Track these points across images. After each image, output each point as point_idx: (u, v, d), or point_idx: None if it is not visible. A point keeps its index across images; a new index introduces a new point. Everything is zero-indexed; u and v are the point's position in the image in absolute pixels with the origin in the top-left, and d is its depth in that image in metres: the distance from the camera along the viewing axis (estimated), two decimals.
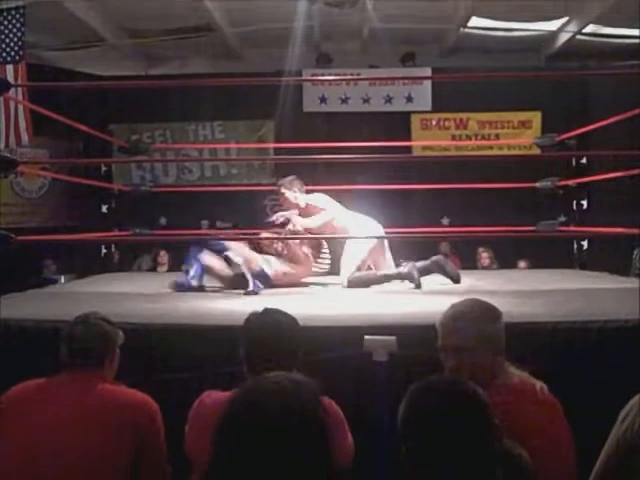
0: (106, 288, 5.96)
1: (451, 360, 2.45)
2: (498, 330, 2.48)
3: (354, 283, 5.73)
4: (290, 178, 6.17)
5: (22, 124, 7.45)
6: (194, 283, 5.51)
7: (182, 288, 5.47)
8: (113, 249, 9.38)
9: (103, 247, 8.24)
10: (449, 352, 2.46)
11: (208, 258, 5.63)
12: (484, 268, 9.44)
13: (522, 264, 9.35)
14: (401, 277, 5.79)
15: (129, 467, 2.55)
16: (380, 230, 6.07)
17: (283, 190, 6.10)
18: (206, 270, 5.64)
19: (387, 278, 5.84)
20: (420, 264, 5.81)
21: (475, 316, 2.48)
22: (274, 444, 1.49)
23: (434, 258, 5.91)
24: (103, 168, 9.35)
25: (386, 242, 6.12)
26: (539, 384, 2.39)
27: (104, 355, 2.79)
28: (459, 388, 1.79)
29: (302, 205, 6.01)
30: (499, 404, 2.09)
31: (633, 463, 2.19)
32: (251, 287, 5.32)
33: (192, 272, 5.57)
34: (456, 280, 5.84)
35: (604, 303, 4.58)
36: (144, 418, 2.64)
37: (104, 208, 8.66)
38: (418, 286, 5.65)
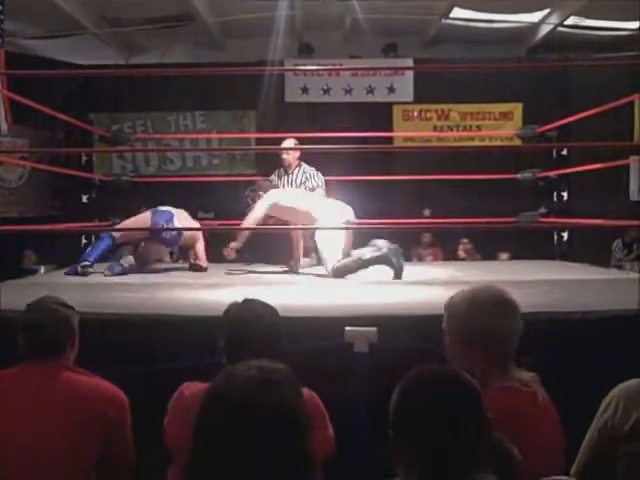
0: (86, 279, 5.93)
1: (455, 347, 2.37)
2: (510, 323, 2.35)
3: (340, 272, 5.74)
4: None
5: (1, 113, 7.37)
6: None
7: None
8: (94, 239, 9.33)
9: (83, 237, 8.17)
10: (453, 338, 2.38)
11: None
12: (465, 259, 9.47)
13: (503, 255, 9.38)
14: (379, 261, 5.79)
15: (96, 458, 2.51)
16: (350, 213, 6.11)
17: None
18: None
19: (367, 263, 5.83)
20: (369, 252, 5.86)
21: (488, 304, 2.35)
22: (249, 434, 1.47)
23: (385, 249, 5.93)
24: (84, 158, 9.27)
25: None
26: (541, 388, 2.30)
27: (65, 342, 2.69)
28: (453, 377, 1.79)
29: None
30: (504, 406, 2.09)
31: (614, 453, 2.20)
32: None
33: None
34: (397, 275, 5.78)
35: (584, 294, 4.60)
36: (114, 410, 2.58)
37: (84, 198, 8.58)
38: (398, 271, 5.67)
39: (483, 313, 2.33)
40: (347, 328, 3.31)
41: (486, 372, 2.28)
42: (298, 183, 6.96)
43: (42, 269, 8.74)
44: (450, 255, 9.65)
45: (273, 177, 7.18)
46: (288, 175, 7.05)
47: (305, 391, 2.49)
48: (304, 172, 7.01)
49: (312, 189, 6.87)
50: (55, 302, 2.78)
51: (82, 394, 2.56)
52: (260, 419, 1.48)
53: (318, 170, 7.07)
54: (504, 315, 2.35)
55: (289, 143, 7.02)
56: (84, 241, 8.05)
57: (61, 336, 2.69)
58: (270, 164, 8.99)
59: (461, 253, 9.67)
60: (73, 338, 2.75)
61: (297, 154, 7.03)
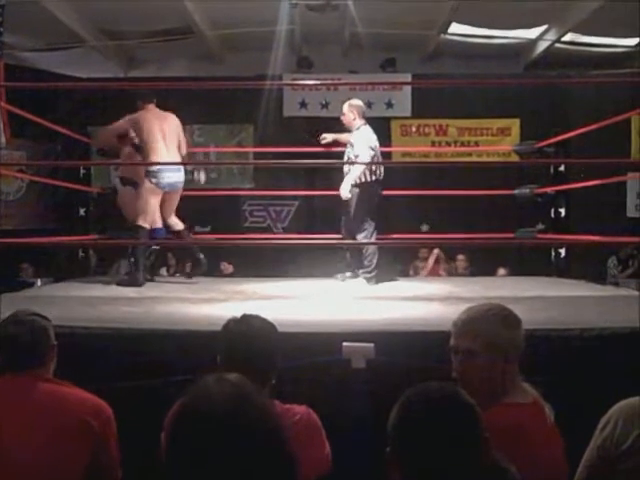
0: (82, 292, 5.92)
1: (459, 363, 2.35)
2: (513, 338, 2.36)
3: None
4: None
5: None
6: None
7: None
8: (91, 253, 9.31)
9: (81, 251, 8.15)
10: (459, 354, 2.36)
11: None
12: (462, 275, 9.47)
13: (502, 271, 9.38)
14: None
15: (83, 471, 2.49)
16: None
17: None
18: None
19: None
20: None
21: (491, 320, 2.35)
22: (227, 449, 1.45)
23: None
24: (82, 171, 9.27)
25: None
26: (547, 406, 2.29)
27: (44, 352, 2.68)
28: (452, 396, 1.78)
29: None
30: (510, 424, 2.08)
31: (613, 471, 2.19)
32: None
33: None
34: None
35: (581, 311, 4.60)
36: (99, 421, 2.56)
37: (82, 211, 8.56)
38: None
39: (487, 326, 2.34)
40: (344, 344, 3.30)
41: (496, 384, 2.29)
42: (347, 149, 6.72)
43: (39, 282, 8.72)
44: (448, 270, 9.66)
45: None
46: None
47: (302, 408, 2.50)
48: (354, 138, 6.63)
49: (351, 158, 6.58)
50: (30, 314, 2.77)
51: (65, 405, 2.54)
52: (238, 434, 1.46)
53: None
54: (516, 330, 2.38)
55: (345, 105, 6.80)
56: (81, 254, 8.02)
57: (39, 347, 2.67)
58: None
59: (462, 268, 9.68)
60: (51, 348, 2.73)
61: (351, 116, 6.70)
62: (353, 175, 6.38)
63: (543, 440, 2.19)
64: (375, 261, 6.48)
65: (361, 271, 6.53)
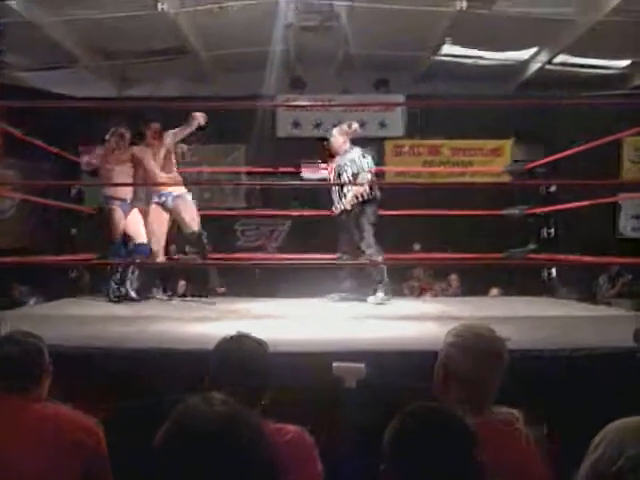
0: (74, 311, 5.90)
1: (439, 383, 2.41)
2: (492, 363, 2.39)
3: None
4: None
5: None
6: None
7: None
8: (83, 272, 9.29)
9: (71, 270, 8.13)
10: (438, 374, 2.42)
11: None
12: (453, 294, 9.48)
13: (494, 291, 9.40)
14: None
15: None
16: None
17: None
18: None
19: None
20: None
21: (474, 343, 2.40)
22: (210, 470, 1.46)
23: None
24: (73, 190, 9.27)
25: None
26: (523, 426, 2.30)
27: (38, 373, 2.67)
28: (449, 416, 1.80)
29: None
30: (490, 439, 2.08)
31: None
32: None
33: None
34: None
35: (572, 331, 4.61)
36: (91, 441, 2.55)
37: (73, 230, 8.55)
38: None
39: (465, 352, 2.38)
40: (335, 364, 3.30)
41: (476, 401, 2.32)
42: (339, 170, 6.76)
43: (32, 301, 8.70)
44: (439, 289, 9.67)
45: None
46: (338, 160, 6.86)
47: (294, 428, 2.50)
48: (352, 158, 6.71)
49: (354, 175, 6.62)
50: (23, 334, 2.76)
51: (58, 425, 2.54)
52: (229, 452, 1.47)
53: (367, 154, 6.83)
54: (486, 355, 2.39)
55: (334, 131, 6.94)
56: (75, 274, 8.00)
57: (33, 367, 2.67)
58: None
59: (446, 286, 9.70)
60: (46, 369, 2.72)
61: (340, 141, 6.82)
62: (359, 190, 6.49)
63: (515, 456, 2.20)
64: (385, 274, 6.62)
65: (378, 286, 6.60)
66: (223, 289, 6.28)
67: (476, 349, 2.40)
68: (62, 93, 10.26)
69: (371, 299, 6.56)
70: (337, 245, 6.88)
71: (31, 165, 9.94)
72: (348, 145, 6.82)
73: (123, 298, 6.37)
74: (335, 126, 7.17)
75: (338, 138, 6.82)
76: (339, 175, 6.71)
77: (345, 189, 6.62)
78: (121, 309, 6.01)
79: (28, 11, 8.29)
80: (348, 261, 6.73)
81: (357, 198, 6.53)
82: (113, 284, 6.49)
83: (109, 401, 3.09)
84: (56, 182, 9.99)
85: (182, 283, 8.53)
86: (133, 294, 6.44)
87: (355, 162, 6.65)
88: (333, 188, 6.78)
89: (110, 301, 6.37)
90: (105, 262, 6.91)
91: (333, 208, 6.78)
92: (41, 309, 6.61)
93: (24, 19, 8.24)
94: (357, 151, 6.77)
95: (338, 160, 6.79)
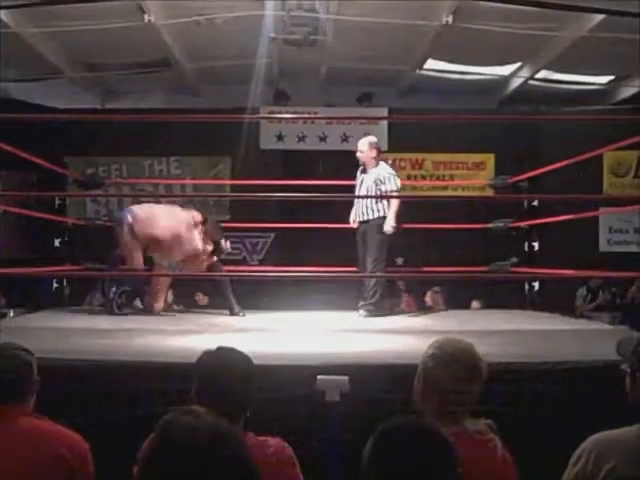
0: (56, 323, 5.88)
1: (416, 394, 2.47)
2: (473, 373, 2.43)
3: None
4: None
5: None
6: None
7: None
8: (65, 284, 9.26)
9: (54, 281, 8.11)
10: (416, 386, 2.48)
11: None
12: (436, 308, 9.48)
13: (475, 304, 9.41)
14: None
15: None
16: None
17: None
18: None
19: None
20: None
21: (452, 356, 2.43)
22: None
23: None
24: (57, 201, 9.25)
25: None
26: (497, 437, 2.34)
27: (25, 386, 2.66)
28: (427, 430, 1.79)
29: None
30: (466, 449, 2.10)
31: None
32: None
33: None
34: None
35: (554, 344, 4.63)
36: (76, 456, 2.54)
37: (57, 242, 8.53)
38: None
39: (441, 365, 2.42)
40: (319, 377, 3.30)
41: (451, 414, 2.35)
42: (370, 184, 6.88)
43: (11, 312, 8.64)
44: (422, 304, 9.68)
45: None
46: (365, 174, 6.99)
47: (277, 440, 2.50)
48: (379, 174, 6.87)
49: (384, 192, 6.80)
50: (14, 347, 2.74)
51: (41, 439, 2.52)
52: (212, 465, 1.47)
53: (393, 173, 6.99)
54: (464, 368, 2.42)
55: (364, 142, 7.00)
56: (55, 285, 7.98)
57: (21, 381, 2.65)
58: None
59: (428, 300, 9.68)
60: (33, 383, 2.71)
61: (372, 154, 6.91)
62: (395, 210, 6.61)
63: (487, 467, 2.22)
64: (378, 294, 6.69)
65: (362, 303, 6.68)
66: (206, 301, 6.27)
67: (454, 362, 2.43)
68: (46, 105, 10.23)
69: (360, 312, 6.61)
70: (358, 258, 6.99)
71: (15, 176, 9.90)
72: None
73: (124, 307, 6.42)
74: (361, 138, 7.23)
75: (370, 152, 6.90)
76: (366, 188, 6.83)
77: (374, 203, 6.75)
78: (104, 321, 5.98)
79: (13, 22, 8.26)
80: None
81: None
82: (116, 297, 6.49)
83: (91, 414, 3.07)
84: (40, 193, 9.96)
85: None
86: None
87: (391, 180, 6.82)
88: (361, 201, 6.87)
89: (114, 314, 6.37)
90: (87, 274, 6.89)
91: (351, 221, 6.97)
92: (22, 321, 6.57)
93: (9, 30, 8.21)
94: (388, 168, 6.98)
95: (371, 173, 6.88)
